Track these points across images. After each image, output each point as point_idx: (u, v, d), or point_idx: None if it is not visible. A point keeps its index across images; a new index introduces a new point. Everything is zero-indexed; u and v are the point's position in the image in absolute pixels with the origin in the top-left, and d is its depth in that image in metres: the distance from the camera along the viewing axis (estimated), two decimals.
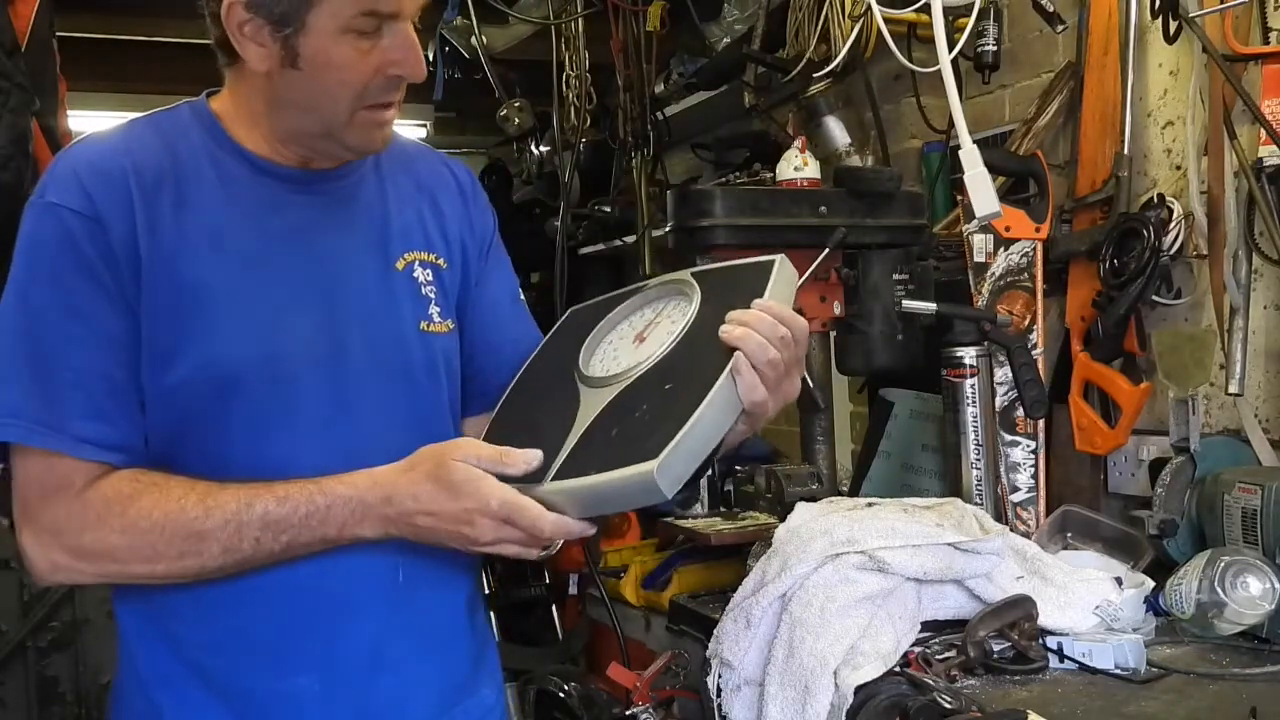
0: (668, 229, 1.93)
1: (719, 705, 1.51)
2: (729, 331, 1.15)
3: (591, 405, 1.23)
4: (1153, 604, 1.59)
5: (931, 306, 1.93)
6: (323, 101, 1.20)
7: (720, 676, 1.52)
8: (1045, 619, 1.50)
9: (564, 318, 1.41)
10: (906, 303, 1.94)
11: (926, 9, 1.90)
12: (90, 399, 1.17)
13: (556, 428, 1.22)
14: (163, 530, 1.16)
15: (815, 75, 2.63)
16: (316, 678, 1.25)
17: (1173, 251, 1.92)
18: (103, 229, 1.17)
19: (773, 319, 1.16)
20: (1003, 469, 1.99)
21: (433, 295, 1.34)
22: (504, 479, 1.15)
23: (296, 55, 1.17)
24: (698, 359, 1.19)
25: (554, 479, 1.16)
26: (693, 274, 1.31)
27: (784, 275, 1.26)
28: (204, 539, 1.16)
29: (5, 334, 1.18)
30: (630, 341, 1.29)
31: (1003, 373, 1.97)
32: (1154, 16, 1.95)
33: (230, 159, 1.26)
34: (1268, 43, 1.82)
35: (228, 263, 1.21)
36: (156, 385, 1.20)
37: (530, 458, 1.16)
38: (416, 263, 1.34)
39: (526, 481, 1.16)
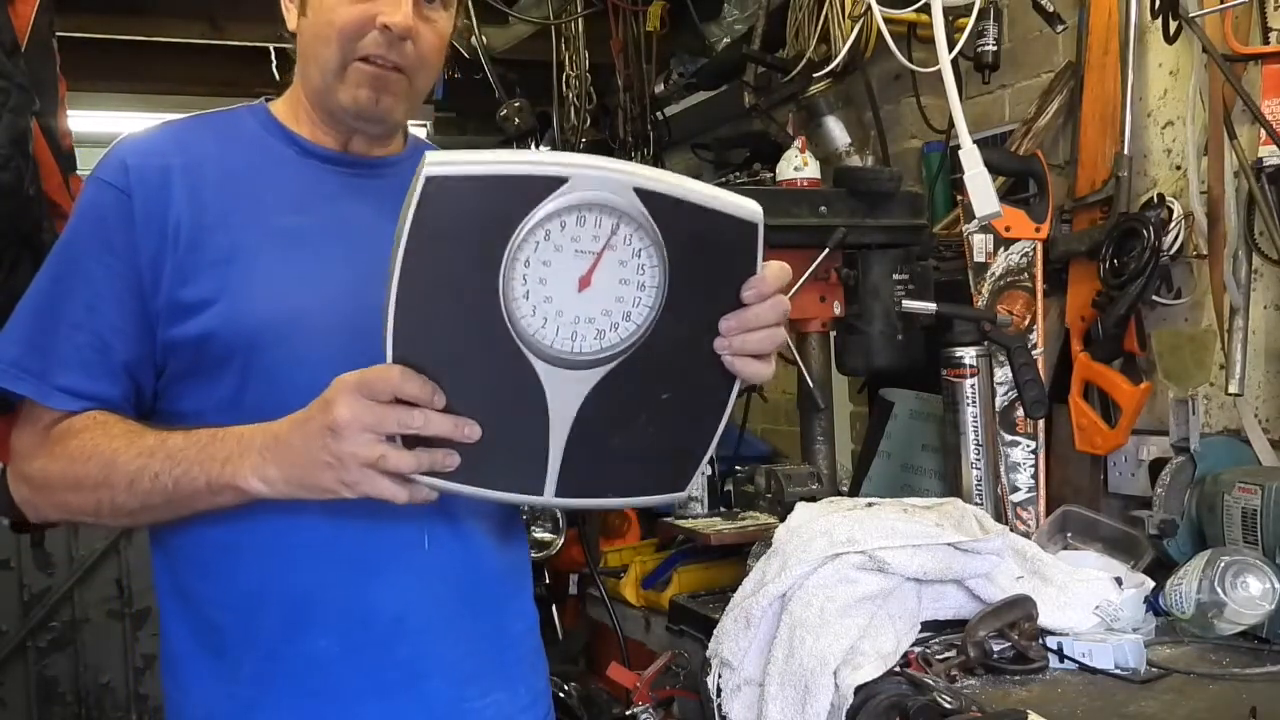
0: None
1: (719, 705, 1.51)
2: (734, 366, 1.12)
3: (563, 395, 1.10)
4: (1153, 604, 1.59)
5: (931, 306, 1.93)
6: (319, 47, 1.28)
7: (720, 676, 1.52)
8: (1045, 619, 1.50)
9: (425, 182, 1.03)
10: (906, 303, 1.94)
11: (926, 9, 1.90)
12: (77, 351, 1.23)
13: (521, 415, 1.10)
14: (88, 459, 1.20)
15: (815, 75, 2.63)
16: (336, 641, 1.25)
17: (1173, 251, 1.92)
18: (129, 200, 1.24)
19: (770, 329, 1.12)
20: (1003, 469, 1.99)
21: None
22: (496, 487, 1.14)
23: (305, 3, 1.30)
24: (692, 363, 1.12)
25: (558, 494, 1.13)
26: (638, 191, 1.05)
27: (760, 243, 1.11)
28: (114, 470, 1.19)
29: (34, 284, 1.28)
30: (571, 283, 1.07)
31: (1003, 373, 1.98)
32: (1154, 16, 1.95)
33: (279, 142, 1.34)
34: (1268, 43, 1.82)
35: (263, 230, 1.27)
36: (181, 337, 1.24)
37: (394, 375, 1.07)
38: None
39: (523, 493, 1.14)
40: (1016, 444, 2.01)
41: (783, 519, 1.65)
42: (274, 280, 1.25)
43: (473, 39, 3.27)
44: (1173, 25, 1.90)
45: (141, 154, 1.28)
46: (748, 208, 1.09)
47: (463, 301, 1.07)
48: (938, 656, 1.45)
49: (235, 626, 1.26)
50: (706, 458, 1.17)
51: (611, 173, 1.05)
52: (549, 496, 1.13)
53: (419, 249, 1.05)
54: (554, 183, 1.04)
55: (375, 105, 1.29)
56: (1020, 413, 1.98)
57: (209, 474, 1.15)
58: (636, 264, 1.07)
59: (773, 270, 1.11)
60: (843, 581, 1.46)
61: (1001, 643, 1.46)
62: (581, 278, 1.06)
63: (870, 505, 1.66)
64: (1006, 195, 2.16)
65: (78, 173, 2.12)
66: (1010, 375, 1.94)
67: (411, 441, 1.09)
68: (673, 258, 1.08)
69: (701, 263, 1.09)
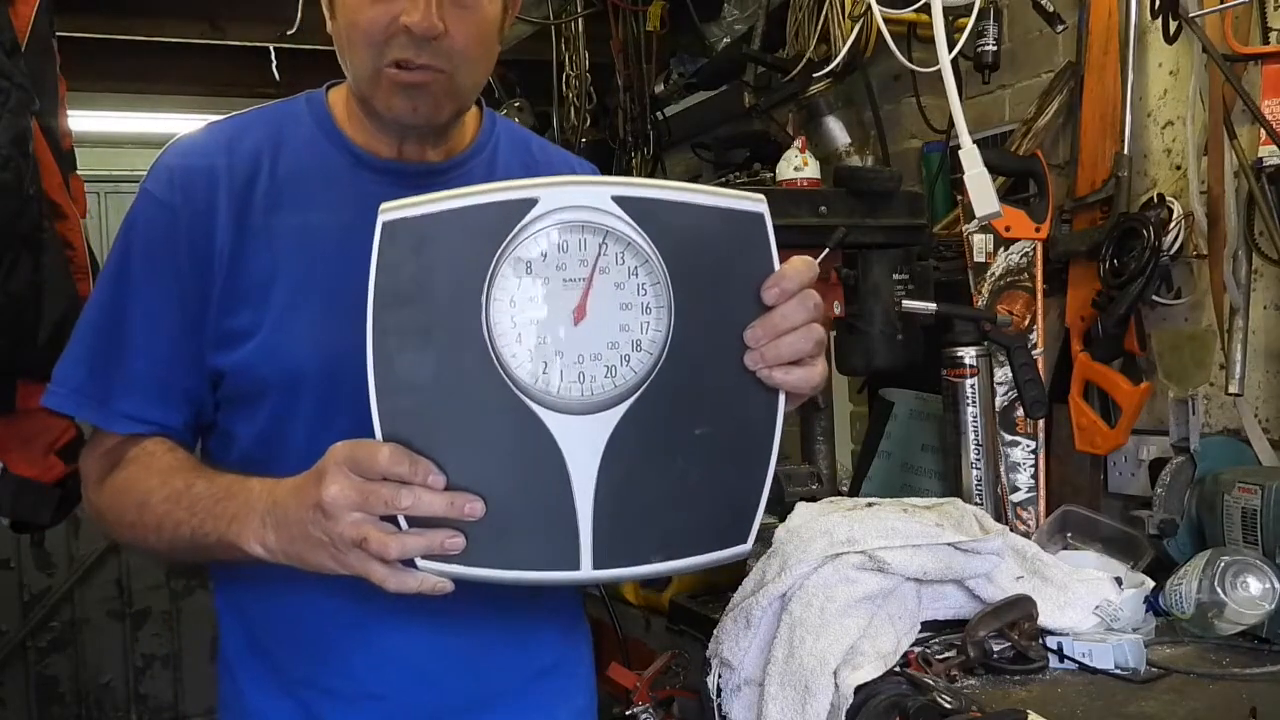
0: None
1: (719, 705, 1.51)
2: (773, 379, 1.01)
3: (581, 447, 0.98)
4: (1153, 604, 1.59)
5: (931, 306, 1.93)
6: (349, 54, 1.20)
7: (720, 676, 1.52)
8: (1045, 619, 1.50)
9: (381, 230, 0.96)
10: (906, 303, 1.94)
11: (926, 9, 1.90)
12: (137, 378, 1.22)
13: (537, 479, 0.98)
14: (126, 496, 1.20)
15: (815, 75, 2.63)
16: (356, 682, 1.25)
17: (1173, 251, 1.92)
18: (174, 217, 1.21)
19: (804, 328, 1.01)
20: (1003, 469, 1.99)
21: None
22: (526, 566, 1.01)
23: (333, 5, 1.21)
24: (724, 386, 1.00)
25: (597, 566, 0.99)
26: (618, 200, 0.97)
27: (770, 235, 1.00)
28: (146, 510, 1.18)
29: (90, 304, 1.25)
30: (565, 318, 0.97)
31: (1003, 373, 1.97)
32: (1154, 16, 1.95)
33: (334, 150, 1.27)
34: (1268, 43, 1.81)
35: (306, 254, 1.23)
36: (223, 365, 1.22)
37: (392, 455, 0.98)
38: None
39: (556, 570, 1.00)
40: (1016, 444, 2.01)
41: (783, 519, 1.65)
42: (311, 317, 1.21)
43: None
44: (1173, 25, 1.90)
45: (187, 156, 1.24)
46: (748, 199, 0.99)
47: (449, 357, 0.96)
48: (938, 656, 1.45)
49: (277, 651, 1.27)
50: (765, 496, 1.02)
51: (585, 185, 0.97)
52: (587, 570, 0.99)
53: (389, 306, 0.96)
54: (522, 206, 0.96)
55: (413, 114, 1.20)
56: (1020, 413, 1.98)
57: (218, 530, 1.12)
58: (635, 284, 0.97)
59: (793, 264, 1.02)
60: (843, 581, 1.46)
61: (1001, 643, 1.46)
62: (575, 309, 0.96)
63: (870, 505, 1.66)
64: (1006, 195, 2.16)
65: (78, 173, 2.13)
66: (1010, 375, 1.94)
67: (419, 521, 0.98)
68: (675, 271, 0.97)
69: (709, 270, 0.99)
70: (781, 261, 1.02)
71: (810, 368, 1.03)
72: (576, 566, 0.99)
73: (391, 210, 0.96)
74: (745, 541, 1.03)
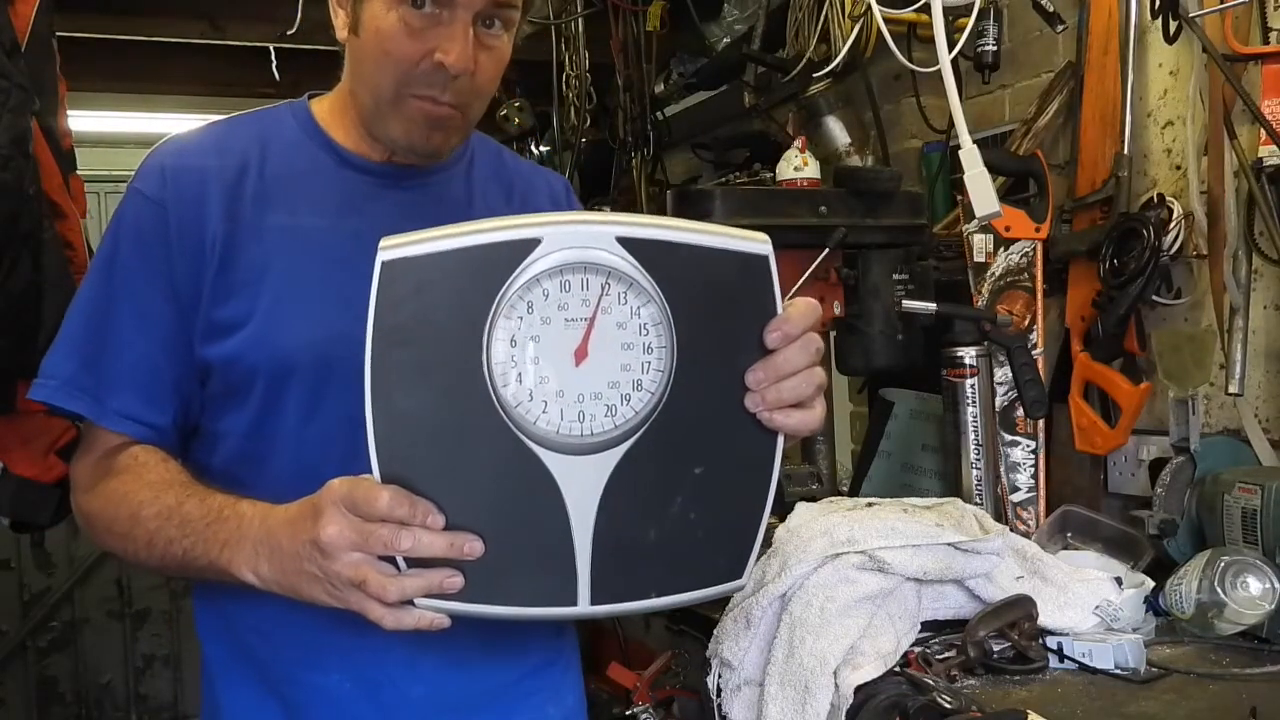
0: None
1: (719, 705, 1.51)
2: (773, 421, 1.00)
3: (580, 486, 0.98)
4: (1153, 604, 1.59)
5: (931, 306, 1.93)
6: (371, 72, 1.22)
7: (720, 676, 1.52)
8: (1045, 619, 1.50)
9: (380, 269, 0.95)
10: (906, 303, 1.94)
11: (926, 9, 1.90)
12: (129, 372, 1.22)
13: (535, 517, 0.99)
14: (118, 506, 1.19)
15: (815, 75, 2.63)
16: (348, 677, 1.25)
17: (1173, 251, 1.92)
18: (164, 214, 1.22)
19: (805, 372, 1.01)
20: (1003, 469, 1.99)
21: None
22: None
23: (358, 21, 1.21)
24: (723, 427, 1.00)
25: (595, 602, 1.00)
26: (622, 240, 0.96)
27: (775, 278, 1.01)
28: (137, 524, 1.17)
29: (78, 300, 1.26)
30: (567, 356, 0.97)
31: (1003, 373, 1.98)
32: (1154, 16, 1.95)
33: (319, 150, 1.30)
34: (1268, 43, 1.81)
35: (295, 246, 1.24)
36: (212, 357, 1.22)
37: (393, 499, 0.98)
38: None
39: (554, 606, 1.01)
40: (1016, 444, 2.01)
41: (783, 519, 1.65)
42: (302, 306, 1.22)
43: None
44: (1173, 25, 1.90)
45: (179, 156, 1.26)
46: (753, 240, 0.98)
47: (449, 397, 0.96)
48: (938, 656, 1.45)
49: (263, 650, 1.27)
50: (761, 533, 1.03)
51: (589, 225, 0.96)
52: (584, 606, 1.00)
53: (388, 345, 0.95)
54: (526, 246, 0.95)
55: (426, 142, 1.24)
56: (1020, 413, 1.98)
57: (210, 554, 1.11)
58: (637, 324, 0.97)
59: (797, 307, 1.01)
60: (843, 581, 1.46)
61: (1001, 643, 1.46)
62: (576, 350, 0.96)
63: (870, 505, 1.66)
64: (1006, 195, 2.16)
65: (78, 173, 2.13)
66: (1010, 375, 1.94)
67: (417, 560, 0.98)
68: (678, 311, 0.97)
69: (712, 311, 0.98)
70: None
71: (810, 410, 1.03)
72: (574, 603, 1.00)
73: (391, 248, 0.95)
74: (741, 577, 1.04)
